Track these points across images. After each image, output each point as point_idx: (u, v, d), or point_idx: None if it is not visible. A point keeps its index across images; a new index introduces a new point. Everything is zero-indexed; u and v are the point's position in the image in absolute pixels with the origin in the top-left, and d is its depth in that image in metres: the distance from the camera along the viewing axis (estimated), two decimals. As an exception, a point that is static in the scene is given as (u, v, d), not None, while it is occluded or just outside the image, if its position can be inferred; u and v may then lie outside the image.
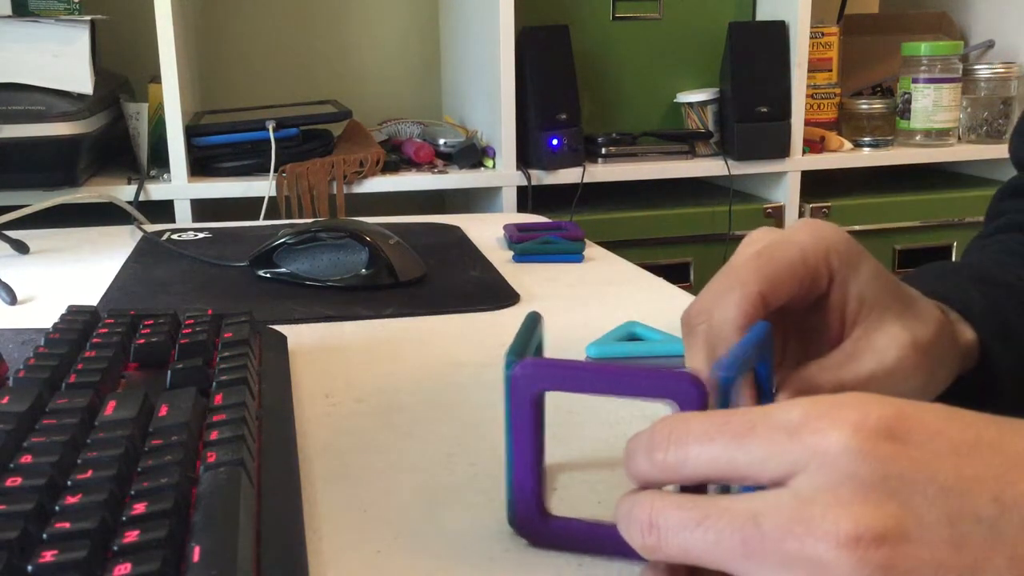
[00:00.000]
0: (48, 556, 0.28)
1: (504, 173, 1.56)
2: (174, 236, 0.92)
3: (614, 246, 0.92)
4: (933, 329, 0.42)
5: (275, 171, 1.44)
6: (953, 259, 1.71)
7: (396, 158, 1.57)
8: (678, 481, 0.30)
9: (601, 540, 0.35)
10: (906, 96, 1.75)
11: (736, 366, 0.34)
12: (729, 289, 0.38)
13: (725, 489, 0.32)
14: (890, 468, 0.27)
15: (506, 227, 0.91)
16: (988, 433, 0.28)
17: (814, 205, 1.71)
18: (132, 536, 0.30)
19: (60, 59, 1.31)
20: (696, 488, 0.30)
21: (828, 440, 0.28)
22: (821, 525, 0.26)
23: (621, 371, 0.33)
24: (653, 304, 0.70)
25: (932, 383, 0.43)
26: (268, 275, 0.75)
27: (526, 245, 0.84)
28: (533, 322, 0.38)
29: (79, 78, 1.31)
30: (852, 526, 0.26)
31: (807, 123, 1.70)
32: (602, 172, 1.61)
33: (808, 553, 0.27)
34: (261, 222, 1.12)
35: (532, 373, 0.34)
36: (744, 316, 0.38)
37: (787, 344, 0.43)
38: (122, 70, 1.63)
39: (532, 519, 0.35)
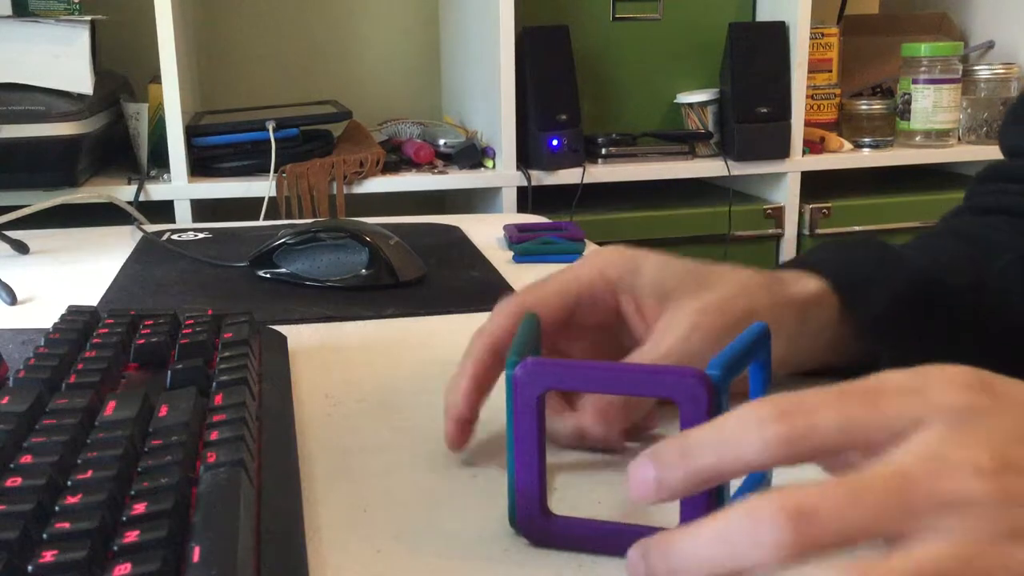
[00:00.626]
0: (48, 556, 0.28)
1: (504, 173, 1.56)
2: (174, 236, 0.92)
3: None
4: (730, 290, 0.45)
5: (275, 171, 1.44)
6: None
7: (396, 158, 1.57)
8: (806, 454, 0.29)
9: (603, 540, 0.35)
10: (906, 97, 1.75)
11: (727, 365, 0.33)
12: (504, 304, 0.46)
13: (719, 500, 0.32)
14: (995, 414, 0.29)
15: (506, 227, 0.91)
16: None
17: (814, 206, 1.71)
18: (132, 536, 0.30)
19: (60, 59, 1.31)
20: (698, 500, 0.30)
21: (944, 396, 0.30)
22: (964, 463, 0.28)
23: (623, 369, 0.33)
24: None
25: (781, 337, 0.44)
26: (268, 275, 0.75)
27: (526, 245, 0.84)
28: (533, 323, 0.38)
29: (79, 78, 1.31)
30: (988, 457, 0.28)
31: (807, 124, 1.70)
32: (602, 172, 1.61)
33: (959, 489, 0.28)
34: (261, 222, 1.12)
35: (534, 373, 0.34)
36: (511, 322, 0.45)
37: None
38: (122, 70, 1.63)
39: (533, 518, 0.35)
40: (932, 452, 0.29)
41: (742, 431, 0.29)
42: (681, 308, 0.44)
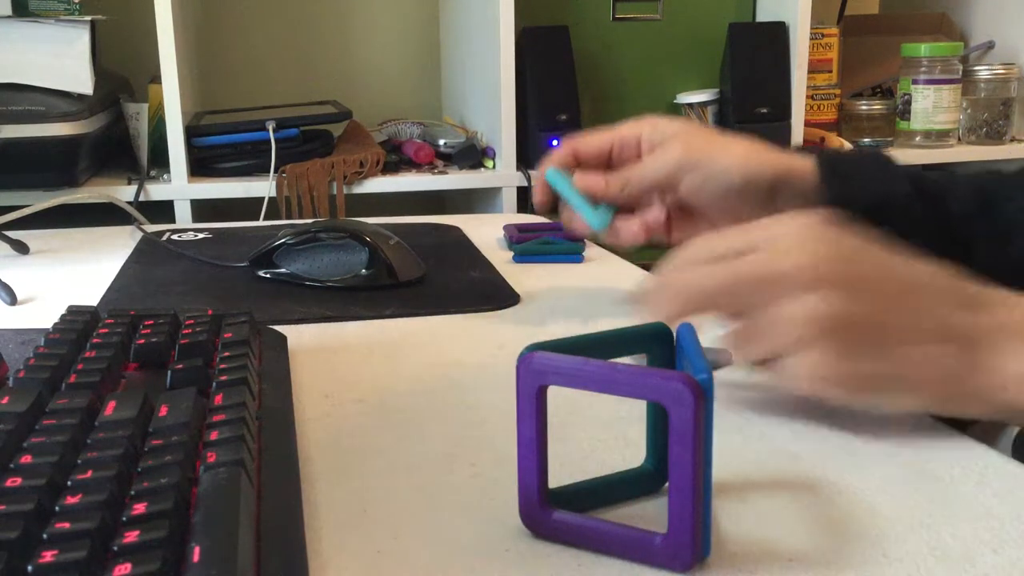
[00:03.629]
0: (48, 556, 0.28)
1: (504, 174, 1.56)
2: (174, 236, 0.92)
3: (614, 246, 0.92)
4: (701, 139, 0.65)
5: (275, 171, 1.44)
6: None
7: (396, 158, 1.57)
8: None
9: (601, 537, 0.35)
10: (906, 97, 1.75)
11: (708, 367, 0.34)
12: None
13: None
14: (841, 240, 0.45)
15: (506, 227, 0.91)
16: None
17: (814, 206, 1.70)
18: (132, 536, 0.30)
19: (60, 59, 1.31)
20: None
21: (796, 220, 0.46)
22: (795, 254, 0.44)
23: (619, 372, 0.33)
24: (653, 305, 0.69)
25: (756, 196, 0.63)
26: (268, 275, 0.75)
27: (526, 245, 0.84)
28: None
29: (79, 78, 1.31)
30: (809, 258, 0.44)
31: (807, 124, 1.70)
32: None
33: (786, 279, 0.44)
34: (261, 222, 1.12)
35: (535, 367, 0.34)
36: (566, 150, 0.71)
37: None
38: (122, 70, 1.63)
39: (534, 510, 0.35)
40: (772, 250, 0.45)
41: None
42: (666, 145, 0.65)
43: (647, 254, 0.64)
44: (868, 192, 0.61)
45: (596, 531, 0.35)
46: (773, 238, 0.45)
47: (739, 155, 0.63)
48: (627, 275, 0.79)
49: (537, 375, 0.34)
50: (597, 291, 0.74)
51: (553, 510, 0.36)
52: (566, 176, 0.69)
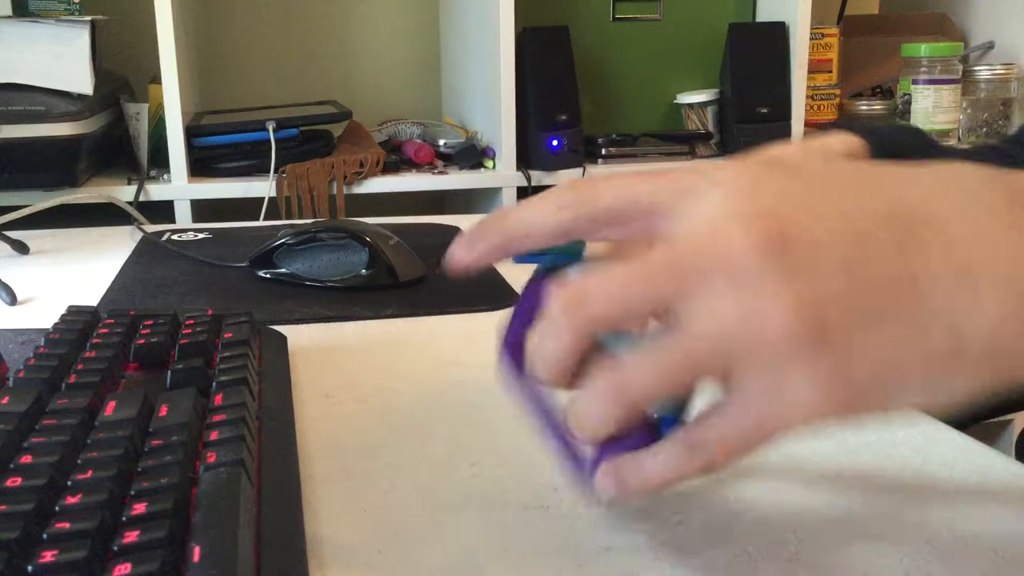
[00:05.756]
0: (48, 556, 0.28)
1: (504, 174, 1.56)
2: (174, 236, 0.92)
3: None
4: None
5: (275, 171, 1.44)
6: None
7: (396, 159, 1.57)
8: (592, 218, 0.33)
9: (546, 421, 0.36)
10: (906, 97, 1.75)
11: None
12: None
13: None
14: (776, 180, 0.29)
15: (506, 227, 0.91)
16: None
17: (814, 206, 1.71)
18: (132, 536, 0.30)
19: (60, 59, 1.31)
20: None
21: (726, 171, 0.30)
22: (730, 230, 0.28)
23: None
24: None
25: None
26: (268, 275, 0.75)
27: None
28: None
29: (79, 78, 1.31)
30: (756, 219, 0.28)
31: (807, 124, 1.70)
32: (602, 173, 1.61)
33: (722, 254, 0.28)
34: (261, 222, 1.12)
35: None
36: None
37: None
38: (122, 70, 1.63)
39: (518, 354, 0.37)
40: (701, 222, 0.29)
41: (539, 201, 0.34)
42: None
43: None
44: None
45: (545, 415, 0.36)
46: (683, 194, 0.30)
47: None
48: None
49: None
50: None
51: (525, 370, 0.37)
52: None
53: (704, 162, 0.32)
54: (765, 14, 1.71)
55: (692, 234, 0.29)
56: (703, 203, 0.29)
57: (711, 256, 0.28)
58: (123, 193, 1.39)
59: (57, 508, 0.31)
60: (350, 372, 0.55)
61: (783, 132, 1.65)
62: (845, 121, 0.61)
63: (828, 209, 0.28)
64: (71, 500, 0.32)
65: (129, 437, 0.36)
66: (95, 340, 0.49)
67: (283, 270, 0.74)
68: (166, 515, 0.31)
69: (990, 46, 1.86)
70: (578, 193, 0.33)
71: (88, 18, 1.34)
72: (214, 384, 0.44)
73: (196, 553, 0.29)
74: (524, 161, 1.57)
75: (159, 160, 1.46)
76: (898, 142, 0.56)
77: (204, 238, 0.92)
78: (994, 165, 0.48)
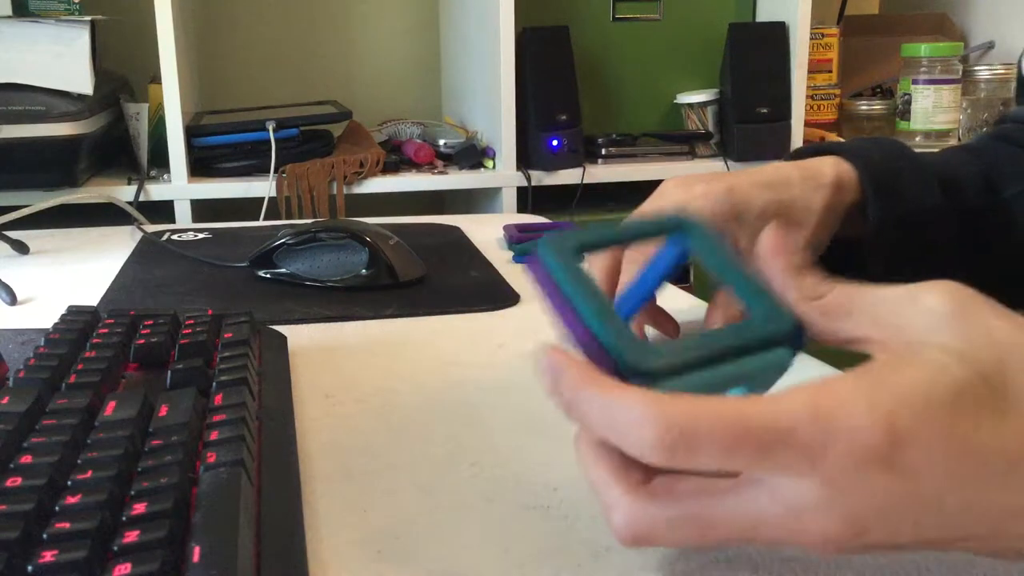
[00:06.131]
0: (48, 556, 0.28)
1: (504, 174, 1.56)
2: (174, 236, 0.92)
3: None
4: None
5: (275, 171, 1.44)
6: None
7: (396, 159, 1.57)
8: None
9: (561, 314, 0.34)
10: (906, 97, 1.75)
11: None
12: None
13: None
14: (877, 502, 0.28)
15: (506, 228, 0.91)
16: (989, 438, 0.28)
17: (814, 206, 1.70)
18: (132, 536, 0.30)
19: (60, 59, 1.31)
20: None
21: (837, 459, 0.28)
22: (815, 532, 0.28)
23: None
24: (653, 305, 0.69)
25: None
26: (268, 275, 0.75)
27: (526, 246, 0.84)
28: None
29: (79, 78, 1.31)
30: (835, 546, 0.29)
31: (807, 124, 1.70)
32: (602, 173, 1.61)
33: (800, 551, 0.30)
34: (261, 222, 1.12)
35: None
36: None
37: None
38: (122, 70, 1.63)
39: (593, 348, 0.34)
40: (792, 508, 0.28)
41: (625, 429, 0.29)
42: None
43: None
44: (910, 207, 0.57)
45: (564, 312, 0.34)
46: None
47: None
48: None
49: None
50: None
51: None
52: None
53: (818, 430, 0.27)
54: (765, 14, 1.71)
55: (776, 521, 0.29)
56: (801, 488, 0.28)
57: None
58: (123, 193, 1.39)
59: (57, 508, 0.31)
60: (350, 372, 0.55)
61: (783, 132, 1.66)
62: (835, 144, 0.61)
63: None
64: (71, 500, 0.32)
65: (129, 437, 0.36)
66: (95, 340, 0.49)
67: (283, 270, 0.74)
68: (166, 515, 0.31)
69: (990, 46, 1.86)
70: (671, 458, 0.28)
71: (88, 18, 1.34)
72: (214, 384, 0.44)
73: (196, 553, 0.29)
74: (524, 161, 1.57)
75: (159, 160, 1.46)
76: (887, 170, 0.58)
77: (204, 238, 0.92)
78: (1005, 164, 0.50)
